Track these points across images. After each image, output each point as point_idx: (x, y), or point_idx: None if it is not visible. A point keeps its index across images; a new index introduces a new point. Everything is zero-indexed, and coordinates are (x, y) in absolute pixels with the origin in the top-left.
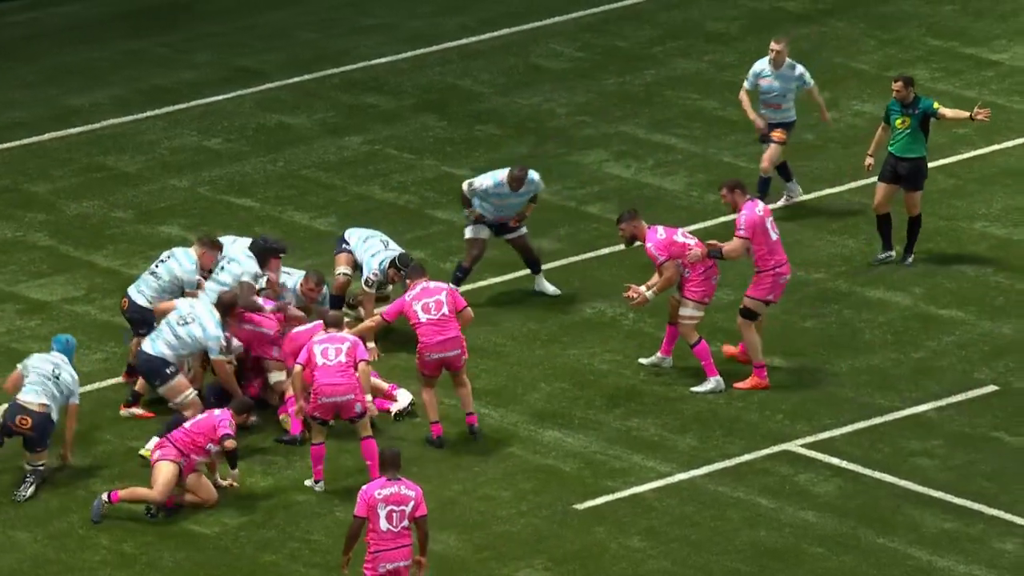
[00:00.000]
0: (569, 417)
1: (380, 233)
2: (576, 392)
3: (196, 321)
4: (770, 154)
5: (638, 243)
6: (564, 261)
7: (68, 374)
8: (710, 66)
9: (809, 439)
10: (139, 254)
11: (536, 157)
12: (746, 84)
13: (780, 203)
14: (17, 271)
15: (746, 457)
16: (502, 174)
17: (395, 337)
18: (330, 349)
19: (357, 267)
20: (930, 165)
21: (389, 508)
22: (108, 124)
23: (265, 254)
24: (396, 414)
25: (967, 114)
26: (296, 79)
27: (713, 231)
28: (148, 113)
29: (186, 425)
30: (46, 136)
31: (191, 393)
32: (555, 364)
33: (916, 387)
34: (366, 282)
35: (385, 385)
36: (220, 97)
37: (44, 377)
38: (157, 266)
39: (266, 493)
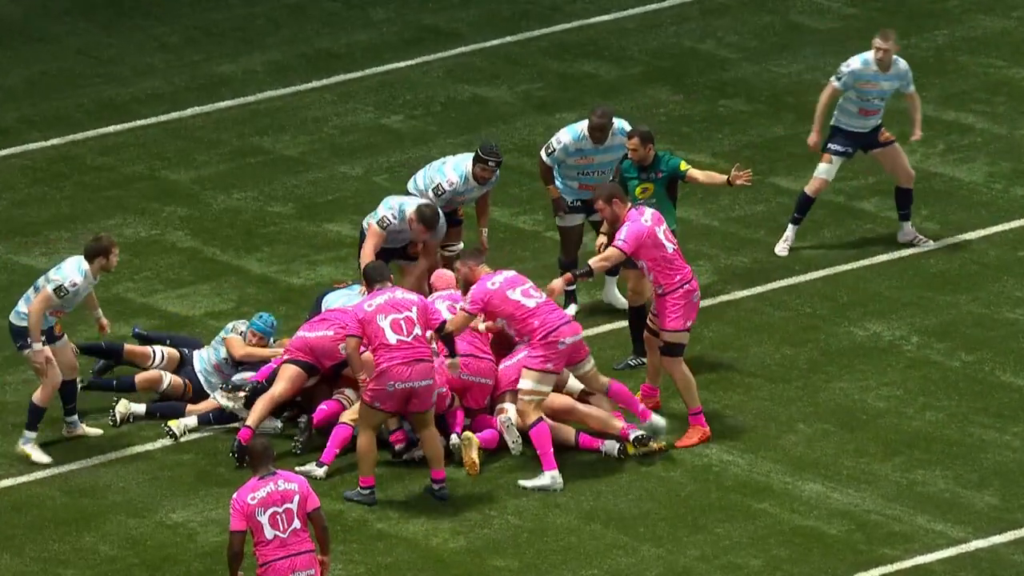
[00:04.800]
0: (835, 467)
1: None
2: (844, 435)
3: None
4: (899, 158)
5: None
6: (830, 270)
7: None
8: (1020, 24)
9: None
10: (301, 258)
11: (796, 139)
12: (836, 82)
13: (783, 251)
14: (152, 278)
15: None
16: (582, 124)
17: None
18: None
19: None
20: None
21: (271, 511)
22: (264, 97)
23: None
24: (619, 451)
25: None
26: (495, 42)
27: (1020, 233)
28: (313, 84)
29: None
30: (188, 112)
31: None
32: (817, 400)
33: None
34: (436, 191)
35: (619, 424)
36: (401, 64)
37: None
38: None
39: (456, 559)
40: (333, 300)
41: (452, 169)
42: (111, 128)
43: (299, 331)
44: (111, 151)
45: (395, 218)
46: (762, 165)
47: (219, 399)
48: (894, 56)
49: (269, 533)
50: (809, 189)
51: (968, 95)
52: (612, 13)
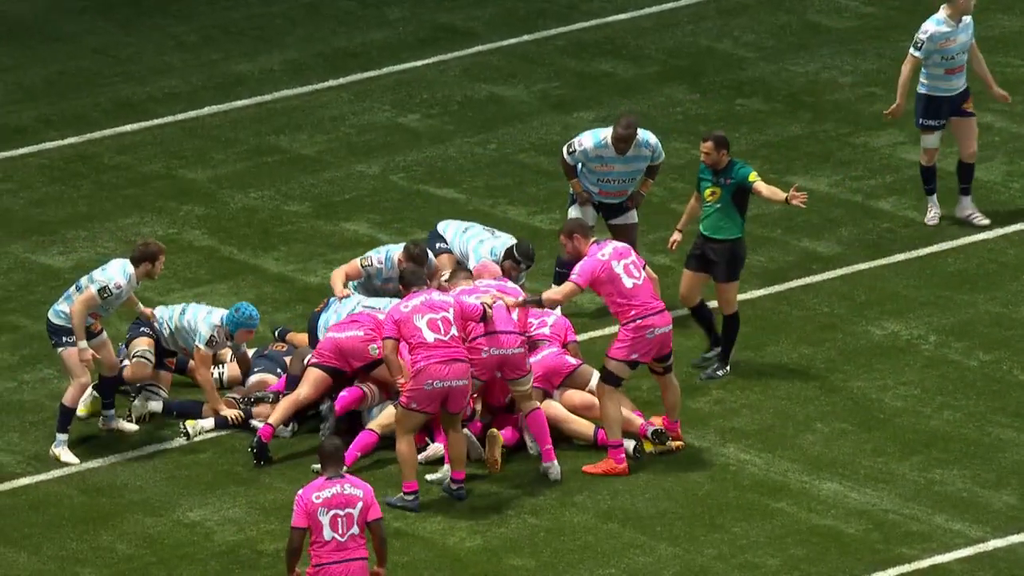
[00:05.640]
0: (853, 466)
1: (479, 225)
2: (862, 435)
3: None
4: (972, 131)
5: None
6: (847, 269)
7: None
8: None
9: None
10: (318, 256)
11: (813, 139)
12: (916, 52)
13: (933, 218)
14: (169, 277)
15: None
16: (606, 132)
17: None
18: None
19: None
20: None
21: (332, 513)
22: (281, 96)
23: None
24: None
25: None
26: (511, 40)
27: None
28: (330, 83)
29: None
30: (205, 111)
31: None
32: (834, 399)
33: None
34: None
35: (639, 420)
36: (418, 63)
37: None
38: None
39: (473, 558)
40: (326, 320)
41: (488, 253)
42: (128, 127)
43: (327, 333)
44: (128, 150)
45: (380, 263)
46: (779, 164)
47: (252, 422)
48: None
49: (327, 535)
50: (923, 160)
51: (986, 94)
52: (629, 12)
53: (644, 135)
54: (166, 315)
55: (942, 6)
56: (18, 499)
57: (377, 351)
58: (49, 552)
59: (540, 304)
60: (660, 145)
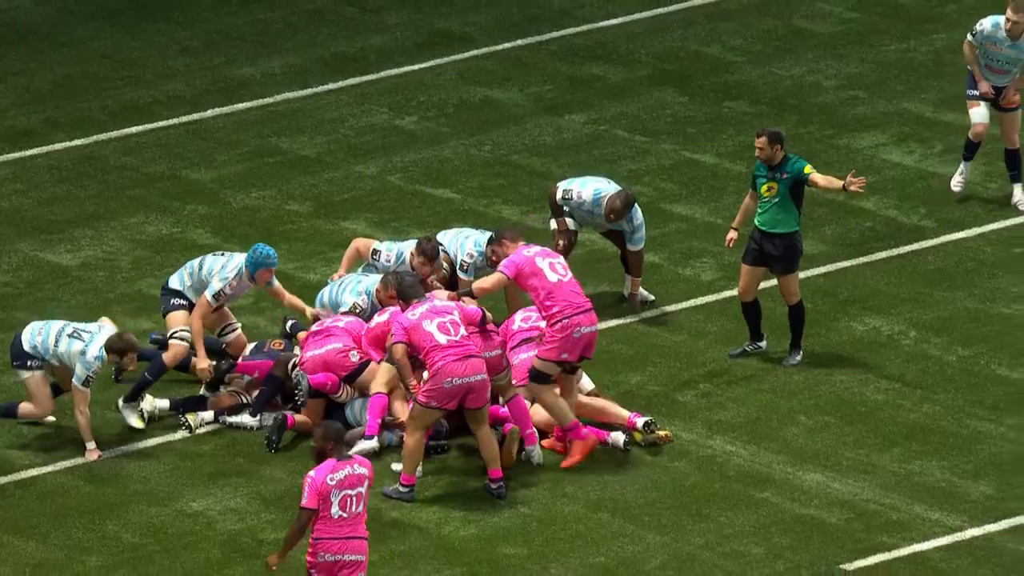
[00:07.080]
0: (835, 458)
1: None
2: (844, 427)
3: None
4: (1015, 123)
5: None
6: (830, 267)
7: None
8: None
9: None
10: (318, 255)
11: (798, 140)
12: (970, 37)
13: (958, 186)
14: (172, 274)
15: None
16: (604, 191)
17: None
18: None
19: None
20: None
21: (344, 493)
22: (282, 99)
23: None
24: (625, 443)
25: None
26: (506, 45)
27: (1015, 230)
28: (330, 86)
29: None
30: (208, 113)
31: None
32: (818, 392)
33: None
34: (461, 266)
35: (625, 413)
36: (415, 67)
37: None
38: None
39: (467, 546)
40: (320, 295)
41: (473, 245)
42: (134, 129)
43: (305, 353)
44: (134, 151)
45: (388, 260)
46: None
47: (248, 420)
48: None
49: (335, 512)
50: (971, 135)
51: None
52: (620, 17)
53: (636, 211)
54: (185, 274)
55: (1008, 10)
56: (26, 490)
57: (358, 357)
58: (56, 541)
59: (472, 295)
60: (644, 228)
